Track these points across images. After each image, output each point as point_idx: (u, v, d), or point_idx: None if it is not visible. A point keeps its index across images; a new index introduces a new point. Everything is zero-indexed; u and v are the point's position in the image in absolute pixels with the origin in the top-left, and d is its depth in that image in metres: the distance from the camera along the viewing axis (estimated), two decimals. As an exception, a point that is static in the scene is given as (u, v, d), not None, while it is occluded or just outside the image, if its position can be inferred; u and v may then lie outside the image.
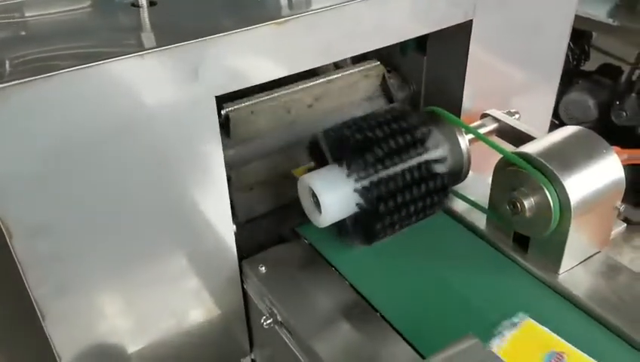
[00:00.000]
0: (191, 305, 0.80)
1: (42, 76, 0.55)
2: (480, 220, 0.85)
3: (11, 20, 0.71)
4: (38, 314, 0.66)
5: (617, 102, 2.24)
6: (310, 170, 0.83)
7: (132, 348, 0.77)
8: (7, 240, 0.60)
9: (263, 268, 0.79)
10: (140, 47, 0.60)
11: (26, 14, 0.73)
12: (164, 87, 0.63)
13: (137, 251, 0.71)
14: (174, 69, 0.62)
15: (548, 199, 0.70)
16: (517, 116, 0.91)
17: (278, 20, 0.66)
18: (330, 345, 0.70)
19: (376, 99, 0.97)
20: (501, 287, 0.76)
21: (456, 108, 0.92)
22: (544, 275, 0.75)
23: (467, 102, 0.92)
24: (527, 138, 0.85)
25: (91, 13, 0.73)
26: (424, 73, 0.96)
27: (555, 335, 0.65)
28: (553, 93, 1.04)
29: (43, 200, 0.60)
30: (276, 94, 0.85)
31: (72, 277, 0.67)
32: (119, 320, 0.75)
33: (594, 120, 2.18)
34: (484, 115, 0.90)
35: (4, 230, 0.59)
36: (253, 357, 0.90)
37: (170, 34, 0.65)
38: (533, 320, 0.67)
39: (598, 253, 0.77)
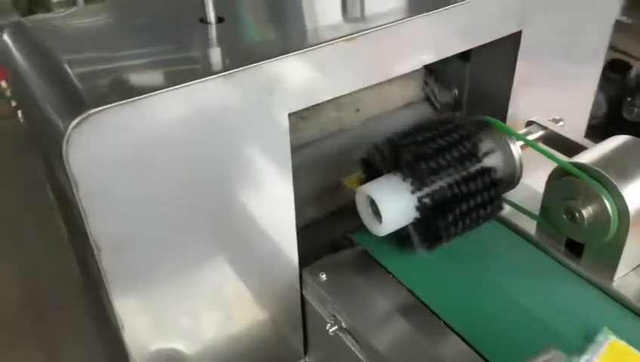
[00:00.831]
0: (250, 311, 0.82)
1: (135, 99, 0.57)
2: (530, 226, 0.87)
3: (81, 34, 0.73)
4: (119, 324, 0.68)
5: (628, 98, 2.27)
6: (361, 179, 0.85)
7: (193, 353, 0.79)
8: (96, 255, 0.61)
9: (324, 275, 0.81)
10: (220, 67, 0.62)
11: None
12: (243, 107, 0.64)
13: (207, 261, 0.73)
14: (253, 89, 0.64)
15: (607, 208, 0.72)
16: (562, 123, 0.93)
17: (351, 36, 0.68)
18: (397, 349, 0.72)
19: (418, 105, 0.99)
20: (558, 293, 0.78)
21: (501, 115, 0.94)
22: (599, 281, 0.78)
23: (512, 110, 0.94)
24: (573, 145, 0.87)
25: (162, 29, 0.74)
26: (467, 80, 0.98)
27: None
28: (592, 97, 1.06)
29: (128, 214, 0.62)
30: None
31: (149, 287, 0.69)
32: (185, 328, 0.77)
33: (604, 115, 2.21)
34: (529, 123, 0.93)
35: (93, 245, 0.61)
36: (307, 359, 0.92)
37: (244, 52, 0.67)
38: (620, 340, 0.62)
39: (650, 258, 0.80)
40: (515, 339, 0.72)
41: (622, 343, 0.63)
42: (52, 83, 0.64)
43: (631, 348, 0.63)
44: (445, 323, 0.74)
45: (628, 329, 0.72)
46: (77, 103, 0.56)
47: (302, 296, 0.85)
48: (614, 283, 0.77)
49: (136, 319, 0.69)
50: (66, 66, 0.64)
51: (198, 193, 0.67)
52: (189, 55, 0.67)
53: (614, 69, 2.35)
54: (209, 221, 0.70)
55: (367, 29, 0.69)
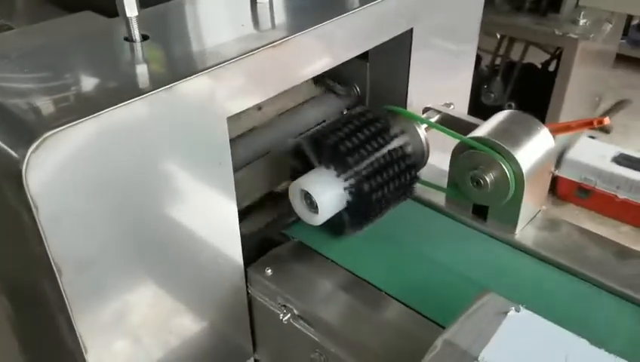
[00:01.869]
0: (199, 317, 0.84)
1: (89, 117, 0.58)
2: (440, 199, 0.98)
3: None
4: (82, 347, 0.67)
5: (485, 86, 2.56)
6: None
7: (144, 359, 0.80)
8: (57, 277, 0.61)
9: (269, 270, 0.86)
10: (165, 81, 0.64)
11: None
12: (187, 117, 0.67)
13: (156, 273, 0.75)
14: (195, 98, 0.67)
15: (505, 172, 0.85)
16: (452, 107, 1.06)
17: (275, 43, 0.74)
18: (348, 322, 0.79)
19: (325, 102, 1.07)
20: (471, 251, 0.90)
21: (401, 105, 1.04)
22: (503, 236, 0.91)
23: (410, 99, 1.05)
24: (465, 124, 1.00)
25: (92, 48, 0.74)
26: (367, 77, 1.08)
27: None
28: (470, 82, 1.22)
29: (89, 235, 0.63)
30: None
31: (108, 305, 0.69)
32: (142, 340, 0.77)
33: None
34: (426, 109, 1.04)
35: (54, 268, 0.60)
36: (256, 356, 0.96)
37: (176, 66, 0.70)
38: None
39: (539, 211, 0.95)
40: (444, 293, 0.82)
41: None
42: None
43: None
44: (384, 292, 0.83)
45: (531, 269, 0.85)
46: (29, 129, 0.56)
47: (248, 294, 0.88)
48: (516, 236, 0.90)
49: (98, 339, 0.69)
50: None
51: (146, 205, 0.68)
52: (125, 72, 0.69)
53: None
54: (159, 232, 0.71)
55: (287, 36, 0.75)
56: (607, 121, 0.90)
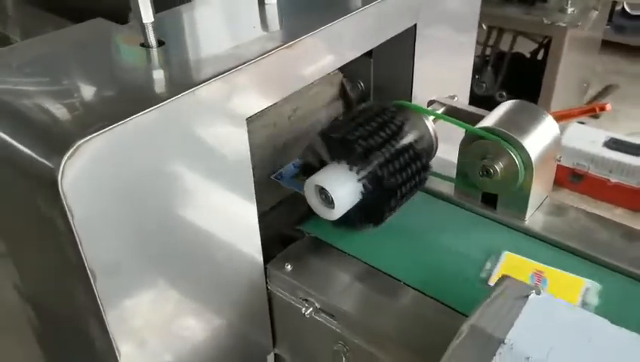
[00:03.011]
0: (220, 316, 0.86)
1: (118, 124, 0.59)
2: (449, 190, 1.01)
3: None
4: (115, 351, 0.69)
5: (477, 77, 2.60)
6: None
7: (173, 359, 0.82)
8: (91, 282, 0.62)
9: (289, 265, 0.87)
10: (186, 86, 0.66)
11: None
12: (208, 119, 0.69)
13: (181, 275, 0.76)
14: (215, 101, 0.69)
15: (514, 161, 0.87)
16: (456, 99, 1.08)
17: (289, 44, 0.75)
18: (369, 312, 0.81)
19: (335, 103, 1.09)
20: (482, 238, 0.92)
21: (406, 99, 1.06)
22: (513, 223, 0.93)
23: (415, 93, 1.07)
24: (470, 115, 1.02)
25: (109, 56, 0.76)
26: (372, 73, 1.10)
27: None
28: (470, 74, 1.24)
29: (119, 239, 0.64)
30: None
31: (137, 308, 0.71)
32: (168, 341, 0.79)
33: (458, 92, 2.50)
34: (431, 102, 1.06)
35: (88, 272, 0.62)
36: (277, 351, 0.98)
37: (195, 70, 0.71)
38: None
39: (546, 197, 0.97)
40: (460, 281, 0.84)
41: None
42: (17, 127, 0.63)
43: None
44: (402, 281, 0.85)
45: (542, 252, 0.88)
46: (62, 138, 0.57)
47: (267, 290, 0.90)
48: (526, 222, 0.93)
49: (130, 342, 0.71)
50: (24, 108, 0.64)
51: (169, 208, 0.70)
52: (145, 78, 0.70)
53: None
54: (182, 234, 0.73)
55: (299, 37, 0.77)
56: (608, 107, 0.93)
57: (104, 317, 0.66)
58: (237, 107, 0.72)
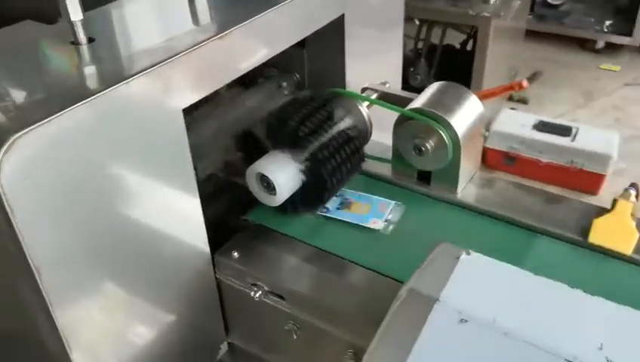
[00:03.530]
0: (171, 309, 0.87)
1: (53, 117, 0.60)
2: (386, 171, 1.05)
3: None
4: (66, 346, 0.69)
5: (411, 69, 2.68)
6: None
7: (128, 357, 0.82)
8: (37, 277, 0.63)
9: (236, 253, 0.90)
10: (116, 80, 0.67)
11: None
12: (143, 112, 0.71)
13: (130, 268, 0.77)
14: (149, 93, 0.70)
15: (443, 138, 0.93)
16: (387, 85, 1.13)
17: (220, 35, 0.78)
18: (317, 289, 0.85)
19: (276, 93, 1.12)
20: (419, 212, 0.97)
21: (340, 87, 1.10)
22: (447, 197, 0.99)
23: (348, 81, 1.11)
24: (401, 99, 1.07)
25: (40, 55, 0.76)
26: (306, 64, 1.13)
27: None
28: (400, 62, 1.29)
29: (63, 235, 0.65)
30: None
31: (85, 302, 0.71)
32: (118, 336, 0.80)
33: (395, 85, 2.59)
34: (365, 89, 1.11)
35: (33, 267, 0.62)
36: (230, 340, 0.99)
37: (126, 64, 0.73)
38: None
39: (476, 172, 1.03)
40: (401, 253, 0.89)
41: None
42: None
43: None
44: (347, 259, 0.88)
45: (474, 221, 0.94)
46: (-3, 133, 0.58)
47: (217, 280, 0.92)
48: (458, 195, 0.98)
49: (81, 337, 0.71)
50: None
51: (110, 202, 0.71)
52: (76, 75, 0.71)
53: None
54: (125, 229, 0.74)
55: (231, 28, 0.79)
56: (525, 84, 1.00)
57: (52, 313, 0.66)
58: (171, 99, 0.74)
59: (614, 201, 0.88)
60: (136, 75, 0.68)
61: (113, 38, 0.80)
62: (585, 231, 0.86)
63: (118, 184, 0.71)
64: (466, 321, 0.63)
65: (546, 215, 0.91)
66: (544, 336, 0.60)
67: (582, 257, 0.84)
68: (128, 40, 0.81)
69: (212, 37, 0.76)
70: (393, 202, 0.97)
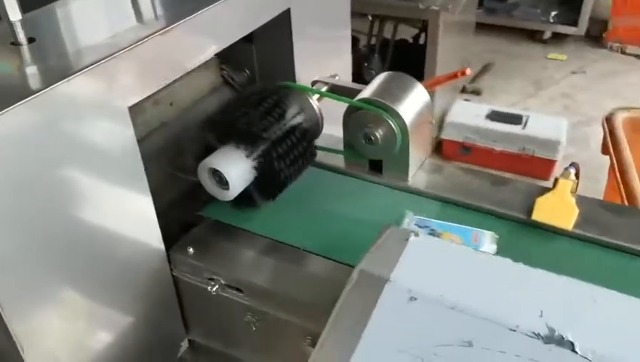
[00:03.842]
0: (128, 307, 0.87)
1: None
2: (339, 162, 1.07)
3: None
4: (18, 347, 0.68)
5: (366, 64, 2.72)
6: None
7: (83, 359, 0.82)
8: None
9: (191, 249, 0.90)
10: (57, 79, 0.66)
11: None
12: (87, 111, 0.70)
13: (83, 269, 0.77)
14: (92, 92, 0.70)
15: (392, 126, 0.95)
16: (337, 77, 1.15)
17: (163, 31, 0.78)
18: (275, 280, 0.86)
19: (221, 89, 1.12)
20: (374, 201, 0.99)
21: (291, 81, 1.12)
22: (399, 184, 1.01)
23: (298, 75, 1.12)
24: (350, 91, 1.09)
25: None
26: (255, 59, 1.14)
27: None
28: (350, 55, 1.31)
29: (10, 235, 0.64)
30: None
31: (37, 304, 0.70)
32: (74, 337, 0.79)
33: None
34: (315, 82, 1.12)
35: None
36: (190, 337, 0.99)
37: (67, 63, 0.72)
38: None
39: (425, 159, 1.06)
40: (355, 240, 0.90)
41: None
42: None
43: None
44: (302, 249, 0.90)
45: (426, 206, 0.96)
46: None
47: (173, 277, 0.92)
48: (409, 182, 1.01)
49: (33, 337, 0.70)
50: None
51: (58, 203, 0.70)
52: (17, 75, 0.70)
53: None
54: (75, 230, 0.73)
55: (174, 23, 0.79)
56: (468, 71, 1.03)
57: (4, 318, 0.65)
58: (116, 97, 0.73)
59: (555, 180, 0.92)
60: (77, 72, 0.68)
61: (55, 38, 0.79)
62: (529, 210, 0.90)
63: (66, 184, 0.71)
64: (416, 299, 0.65)
65: (492, 196, 0.95)
66: (489, 308, 0.63)
67: (525, 234, 0.88)
68: (70, 38, 0.80)
69: (154, 33, 0.76)
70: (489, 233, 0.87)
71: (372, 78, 2.84)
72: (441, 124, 2.57)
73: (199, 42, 0.86)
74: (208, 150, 0.93)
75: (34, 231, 0.68)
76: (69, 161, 0.70)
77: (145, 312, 0.89)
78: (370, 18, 2.70)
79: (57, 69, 0.70)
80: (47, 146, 0.67)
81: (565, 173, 0.94)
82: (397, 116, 0.95)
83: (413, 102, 0.99)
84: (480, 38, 3.36)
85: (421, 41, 2.66)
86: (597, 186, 1.82)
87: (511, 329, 0.61)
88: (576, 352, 0.58)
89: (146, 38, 0.76)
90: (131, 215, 0.82)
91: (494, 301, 0.64)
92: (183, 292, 0.94)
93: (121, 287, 0.84)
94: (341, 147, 1.05)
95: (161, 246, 0.88)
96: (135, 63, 0.75)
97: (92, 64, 0.69)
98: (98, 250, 0.78)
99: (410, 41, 2.80)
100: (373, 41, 2.73)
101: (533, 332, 0.60)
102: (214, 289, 0.87)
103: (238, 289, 0.87)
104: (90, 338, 0.82)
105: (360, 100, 0.97)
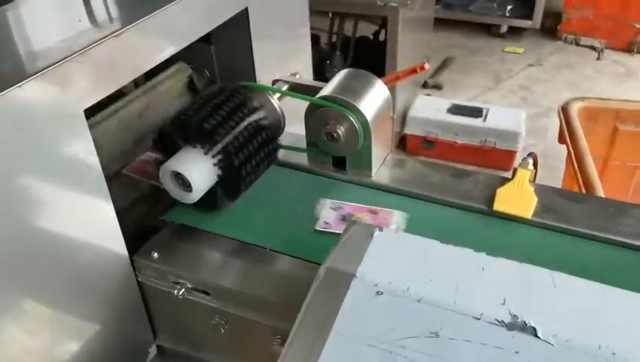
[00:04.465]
0: (93, 315, 0.85)
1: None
2: (302, 160, 1.07)
3: None
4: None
5: (328, 62, 2.73)
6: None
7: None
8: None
9: (155, 253, 0.88)
10: (13, 80, 0.65)
11: None
12: (41, 115, 0.68)
13: (43, 277, 0.75)
14: (46, 96, 0.68)
15: (353, 123, 0.96)
16: (298, 76, 1.15)
17: (116, 33, 0.76)
18: (242, 281, 0.85)
19: (185, 94, 1.11)
20: (338, 198, 1.00)
21: (252, 81, 1.11)
22: (362, 180, 1.02)
23: (259, 74, 1.12)
24: (311, 89, 1.09)
25: None
26: (215, 60, 1.13)
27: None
28: (310, 54, 1.31)
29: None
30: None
31: (4, 318, 0.68)
32: (42, 348, 0.77)
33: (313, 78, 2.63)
34: (275, 81, 1.12)
35: None
36: (158, 342, 0.98)
37: (20, 67, 0.70)
38: None
39: (388, 154, 1.07)
40: (320, 237, 0.91)
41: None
42: None
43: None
44: (268, 249, 0.90)
45: (390, 200, 0.97)
46: None
47: (138, 283, 0.90)
48: (373, 178, 1.02)
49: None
50: None
51: (16, 212, 0.69)
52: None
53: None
54: (35, 240, 0.72)
55: (127, 25, 0.78)
56: (427, 66, 1.05)
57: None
58: (70, 100, 0.72)
59: (514, 170, 0.95)
60: (29, 78, 0.66)
61: (6, 42, 0.77)
62: (490, 201, 0.92)
63: (23, 191, 0.69)
64: (382, 293, 0.66)
65: (453, 188, 0.96)
66: (453, 298, 0.64)
67: (487, 224, 0.90)
68: (23, 42, 0.78)
69: (108, 35, 0.75)
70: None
71: (334, 75, 2.86)
72: (403, 120, 2.60)
73: (155, 44, 0.85)
74: (171, 152, 0.92)
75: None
76: (24, 167, 0.68)
77: (111, 319, 0.87)
78: (330, 15, 2.71)
79: (8, 75, 0.68)
80: (1, 153, 0.64)
81: (523, 163, 0.96)
82: (358, 112, 0.96)
83: (374, 98, 1.00)
84: (439, 33, 3.41)
85: (381, 37, 2.68)
86: (557, 175, 1.87)
87: (475, 318, 0.62)
88: (538, 337, 0.60)
89: (99, 40, 0.74)
90: (91, 221, 0.80)
91: (458, 291, 0.65)
92: (149, 298, 0.92)
93: (86, 295, 0.82)
94: (304, 145, 1.05)
95: (124, 251, 0.87)
96: (88, 67, 0.73)
97: (43, 69, 0.67)
98: (58, 258, 0.76)
99: (371, 37, 2.82)
100: (334, 38, 2.74)
101: (497, 320, 0.61)
102: (180, 293, 0.86)
103: (204, 292, 0.86)
104: (56, 348, 0.80)
105: (321, 98, 0.97)
